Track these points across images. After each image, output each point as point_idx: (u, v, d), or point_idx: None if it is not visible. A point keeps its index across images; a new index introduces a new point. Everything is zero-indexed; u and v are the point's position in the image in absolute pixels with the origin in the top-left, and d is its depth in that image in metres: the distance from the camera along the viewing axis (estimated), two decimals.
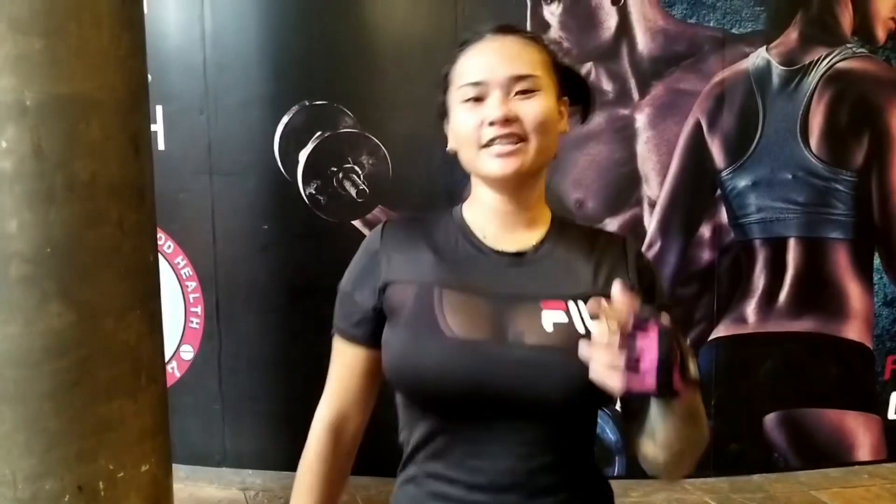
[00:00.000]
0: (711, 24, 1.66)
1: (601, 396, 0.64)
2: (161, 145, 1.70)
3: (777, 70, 1.74)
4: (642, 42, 1.64)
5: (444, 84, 0.77)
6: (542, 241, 0.75)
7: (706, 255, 1.74)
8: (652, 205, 1.70)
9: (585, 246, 0.76)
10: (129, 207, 1.09)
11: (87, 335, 1.05)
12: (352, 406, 0.79)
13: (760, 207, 1.78)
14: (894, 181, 1.85)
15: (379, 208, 1.70)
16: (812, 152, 1.80)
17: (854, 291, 1.84)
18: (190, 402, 1.80)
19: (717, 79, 1.67)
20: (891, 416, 1.83)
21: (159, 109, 1.70)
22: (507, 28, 0.76)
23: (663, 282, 0.82)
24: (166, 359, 1.55)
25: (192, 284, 1.78)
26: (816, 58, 1.77)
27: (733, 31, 1.68)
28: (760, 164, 1.76)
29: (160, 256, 1.50)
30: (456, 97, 0.74)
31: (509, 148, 0.71)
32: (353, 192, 1.69)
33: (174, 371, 1.82)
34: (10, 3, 0.95)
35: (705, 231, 1.74)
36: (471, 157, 0.73)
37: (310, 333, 1.74)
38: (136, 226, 1.11)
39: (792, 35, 1.74)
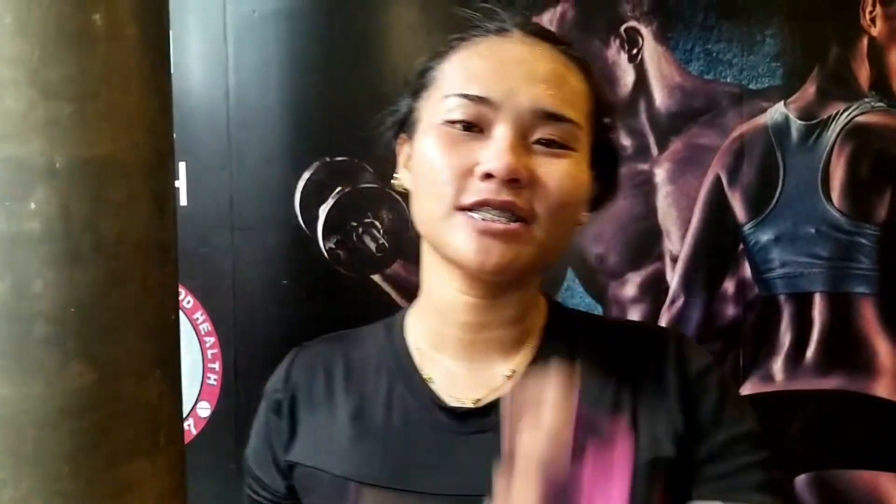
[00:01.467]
0: (729, 80, 1.68)
1: None
2: (184, 201, 1.73)
3: (796, 124, 1.75)
4: (660, 98, 1.66)
5: (416, 84, 0.52)
6: (527, 373, 0.46)
7: (730, 310, 1.71)
8: (674, 259, 1.69)
9: (599, 368, 0.45)
10: (153, 266, 1.09)
11: (107, 395, 1.04)
12: None
13: (784, 262, 1.76)
14: None
15: (398, 263, 1.70)
16: (834, 206, 1.79)
17: (882, 347, 1.80)
18: (206, 460, 1.77)
19: (735, 133, 1.68)
20: None
21: (182, 166, 1.73)
22: (543, 32, 0.49)
23: (734, 400, 0.50)
24: (184, 416, 1.54)
25: (211, 340, 1.78)
26: (835, 112, 1.78)
27: (751, 86, 1.69)
28: (782, 219, 1.75)
29: (180, 312, 1.50)
30: (436, 111, 0.48)
31: (503, 225, 0.44)
32: (372, 246, 1.70)
33: (191, 428, 1.81)
34: (44, 69, 0.98)
35: (729, 286, 1.72)
36: (435, 217, 0.46)
37: None
38: (159, 284, 1.11)
39: (809, 90, 1.75)
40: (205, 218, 1.73)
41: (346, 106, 1.70)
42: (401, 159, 0.52)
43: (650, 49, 1.65)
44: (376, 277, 1.71)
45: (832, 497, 1.73)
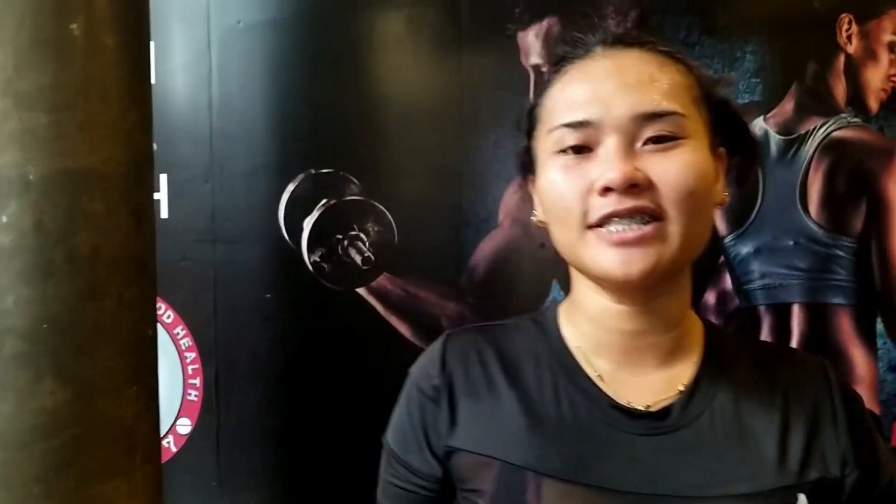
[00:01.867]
0: None
1: None
2: (165, 213, 1.70)
3: (775, 139, 1.77)
4: None
5: (527, 124, 0.53)
6: (695, 386, 0.47)
7: (712, 321, 1.72)
8: None
9: (761, 385, 0.47)
10: (130, 280, 1.07)
11: (81, 414, 1.02)
12: None
13: (764, 274, 1.78)
14: (892, 246, 1.86)
15: (384, 276, 1.69)
16: (812, 219, 1.81)
17: (858, 357, 1.82)
18: (186, 478, 1.74)
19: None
20: None
21: (164, 178, 1.71)
22: (629, 37, 0.50)
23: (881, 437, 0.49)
24: (162, 433, 1.51)
25: (192, 355, 1.75)
26: (812, 127, 1.80)
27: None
28: (762, 231, 1.77)
29: (159, 327, 1.47)
30: (547, 145, 0.49)
31: (636, 232, 0.44)
32: (358, 259, 1.69)
33: (170, 446, 1.77)
34: (18, 80, 0.96)
35: (710, 297, 1.74)
36: (570, 242, 0.48)
37: (312, 406, 1.71)
38: (136, 299, 1.09)
39: (788, 105, 1.78)
40: (187, 231, 1.71)
41: (331, 117, 1.69)
42: (536, 198, 0.52)
43: None
44: (362, 291, 1.69)
45: None
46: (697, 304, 1.76)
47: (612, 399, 0.47)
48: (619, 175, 0.43)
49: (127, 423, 1.07)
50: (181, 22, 1.69)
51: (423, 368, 0.54)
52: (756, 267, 1.80)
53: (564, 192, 0.46)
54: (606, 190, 0.44)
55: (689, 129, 0.45)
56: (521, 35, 1.65)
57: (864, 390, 1.90)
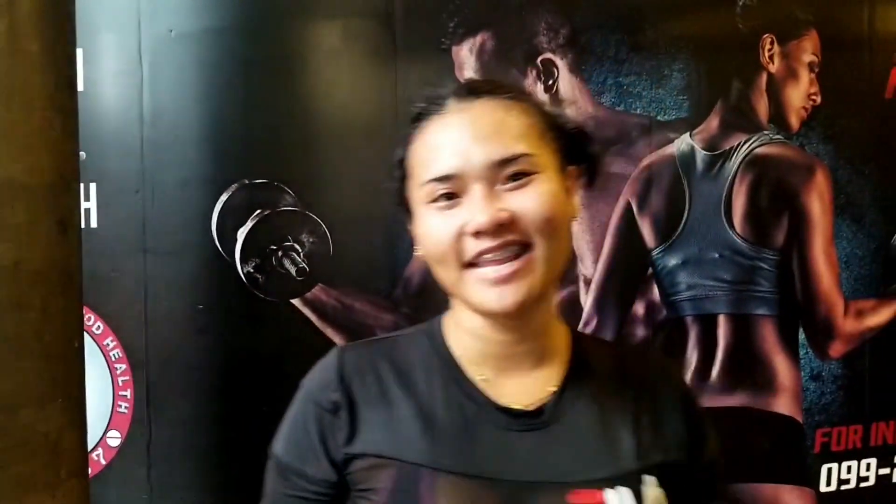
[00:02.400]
0: (638, 112, 1.75)
1: None
2: (94, 223, 1.66)
3: (701, 154, 1.83)
4: None
5: (399, 172, 0.58)
6: (564, 386, 0.54)
7: (641, 331, 1.78)
8: (588, 282, 1.74)
9: (618, 383, 0.55)
10: (54, 292, 1.05)
11: (4, 427, 0.99)
12: None
13: (690, 285, 1.84)
14: (813, 259, 1.95)
15: (318, 287, 1.69)
16: (736, 232, 1.88)
17: (782, 366, 1.90)
18: (116, 492, 1.70)
19: (644, 163, 1.76)
20: (823, 488, 1.87)
21: (93, 187, 1.67)
22: (476, 87, 0.56)
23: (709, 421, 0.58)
24: (91, 446, 1.47)
25: (122, 367, 1.71)
26: (737, 143, 1.88)
27: (659, 118, 1.77)
28: (689, 244, 1.83)
29: (88, 338, 1.44)
30: (420, 196, 0.54)
31: (508, 269, 0.50)
32: (292, 270, 1.68)
33: (100, 459, 1.73)
34: None
35: (639, 308, 1.79)
36: (451, 280, 0.53)
37: (245, 419, 1.68)
38: (61, 310, 1.07)
39: (713, 122, 1.85)
40: (116, 241, 1.67)
41: (265, 127, 1.68)
42: (413, 232, 0.58)
43: (565, 80, 1.71)
44: (296, 302, 1.69)
45: None
46: (627, 314, 1.83)
47: (493, 401, 0.54)
48: (486, 219, 0.50)
49: (52, 436, 1.05)
50: (111, 29, 1.65)
51: (319, 382, 0.58)
52: (683, 278, 1.84)
53: (440, 238, 0.52)
54: (478, 233, 0.51)
55: (539, 164, 0.52)
56: (455, 49, 1.68)
57: (787, 398, 1.98)
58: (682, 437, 0.55)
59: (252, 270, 1.71)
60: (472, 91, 0.56)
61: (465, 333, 0.56)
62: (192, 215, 1.69)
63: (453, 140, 0.53)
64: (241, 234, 1.69)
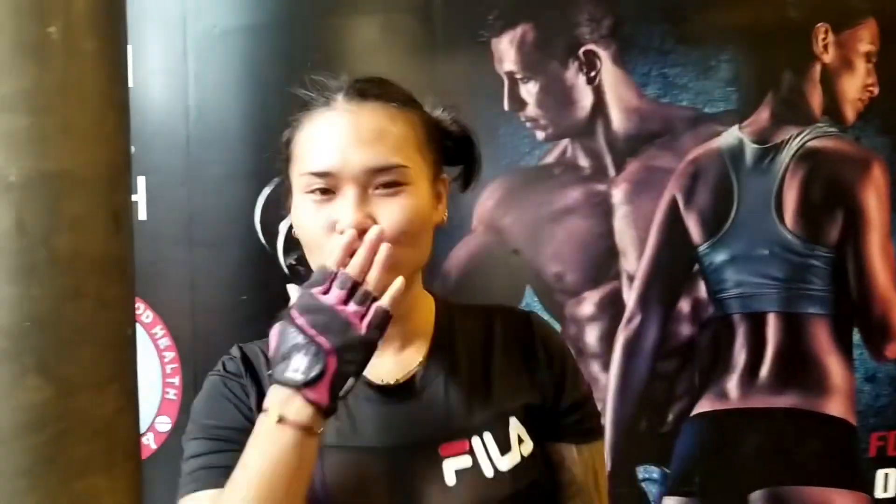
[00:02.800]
0: (684, 104, 1.72)
1: None
2: (143, 215, 1.72)
3: (750, 148, 1.79)
4: (617, 120, 1.70)
5: (285, 153, 0.63)
6: (429, 357, 0.61)
7: (686, 329, 1.75)
8: (630, 278, 1.72)
9: (482, 345, 0.62)
10: (109, 281, 1.09)
11: (64, 410, 1.03)
12: None
13: (738, 282, 1.80)
14: (869, 256, 1.88)
15: None
16: (787, 228, 1.83)
17: (835, 367, 1.84)
18: (166, 475, 1.74)
19: (690, 156, 1.72)
20: (878, 494, 1.81)
21: (142, 181, 1.72)
22: (366, 90, 0.60)
23: (577, 368, 0.65)
24: (142, 431, 1.53)
25: (170, 355, 1.77)
26: (788, 136, 1.82)
27: (706, 110, 1.73)
28: (737, 240, 1.79)
29: (138, 326, 1.49)
30: (299, 184, 0.60)
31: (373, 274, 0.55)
32: None
33: (150, 443, 1.79)
34: None
35: (684, 305, 1.76)
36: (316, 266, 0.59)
37: None
38: (115, 299, 1.11)
39: (763, 114, 1.80)
40: (164, 233, 1.72)
41: None
42: (291, 211, 0.64)
43: (608, 72, 1.69)
44: None
45: None
46: (671, 312, 1.81)
47: (368, 380, 0.60)
48: (353, 222, 0.56)
49: (108, 419, 1.09)
50: (158, 26, 1.70)
51: (222, 363, 0.66)
52: (731, 275, 1.80)
53: (313, 228, 0.59)
54: (342, 232, 0.56)
55: (410, 176, 0.58)
56: (494, 42, 1.67)
57: (840, 400, 1.92)
58: (544, 380, 0.61)
59: (294, 262, 1.73)
60: (361, 93, 0.60)
61: None
62: (236, 208, 1.72)
63: (335, 139, 0.57)
64: (283, 226, 1.71)
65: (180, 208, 1.72)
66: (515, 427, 0.59)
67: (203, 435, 0.63)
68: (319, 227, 0.58)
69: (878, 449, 1.81)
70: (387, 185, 0.57)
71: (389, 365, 0.60)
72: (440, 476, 0.56)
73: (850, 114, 1.84)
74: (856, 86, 1.85)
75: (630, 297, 1.72)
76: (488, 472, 0.56)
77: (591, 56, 1.69)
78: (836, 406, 1.82)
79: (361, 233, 0.55)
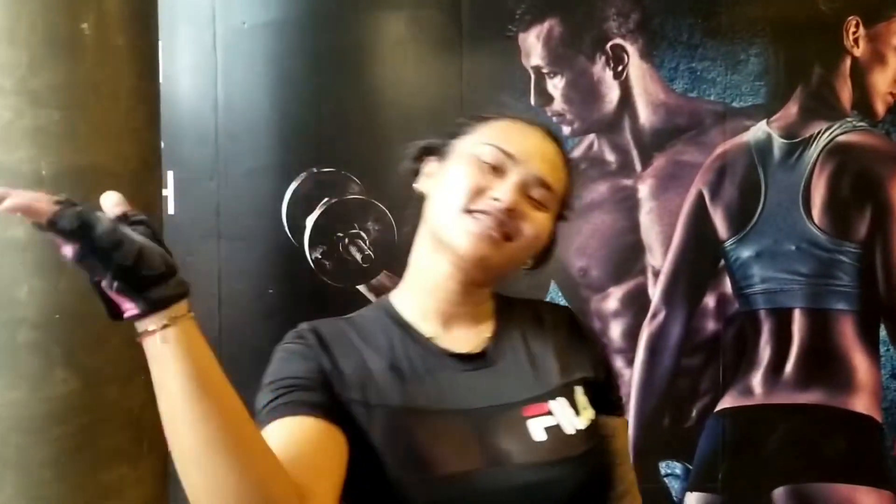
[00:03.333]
0: (712, 98, 1.70)
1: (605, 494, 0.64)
2: (171, 209, 1.74)
3: (778, 143, 1.76)
4: (644, 115, 1.68)
5: (457, 131, 0.68)
6: (496, 334, 0.66)
7: (711, 325, 1.73)
8: (656, 274, 1.71)
9: (537, 328, 0.68)
10: None
11: (91, 402, 1.05)
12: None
13: (764, 278, 1.78)
14: None
15: (384, 274, 1.72)
16: (815, 224, 1.80)
17: (861, 363, 1.82)
18: None
19: (718, 151, 1.70)
20: None
21: (170, 175, 1.74)
22: (555, 136, 0.69)
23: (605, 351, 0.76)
24: None
25: None
26: (817, 131, 1.79)
27: (734, 104, 1.71)
28: (763, 235, 1.77)
29: None
30: (471, 148, 0.64)
31: (490, 232, 0.61)
32: (358, 257, 1.71)
33: None
34: (32, 78, 0.99)
35: (710, 301, 1.74)
36: (444, 214, 0.63)
37: None
38: None
39: (792, 109, 1.77)
40: (192, 227, 1.74)
41: (333, 117, 1.71)
42: (424, 170, 0.69)
43: (635, 66, 1.67)
44: (362, 288, 1.72)
45: None
46: (696, 307, 1.79)
47: (446, 350, 0.64)
48: (511, 199, 0.62)
49: (135, 412, 1.11)
50: (187, 23, 1.71)
51: (293, 334, 0.66)
52: (756, 271, 1.78)
53: (467, 181, 0.63)
54: (496, 199, 0.62)
55: (551, 207, 0.66)
56: (521, 36, 1.66)
57: (865, 397, 1.89)
58: (592, 360, 0.69)
59: (320, 257, 1.74)
60: (535, 123, 0.69)
61: (418, 291, 0.66)
62: (262, 202, 1.74)
63: (528, 141, 0.66)
64: (310, 221, 1.73)
65: (208, 202, 1.74)
66: (581, 395, 0.65)
67: (273, 388, 0.63)
68: (474, 183, 0.63)
69: None
70: (538, 201, 0.65)
71: (464, 338, 0.65)
72: (526, 433, 0.61)
73: (880, 108, 1.81)
74: (887, 80, 1.81)
75: (655, 292, 1.71)
76: (569, 430, 0.62)
77: (618, 50, 1.67)
78: (861, 403, 1.79)
79: (507, 211, 0.61)
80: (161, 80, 1.21)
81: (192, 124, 1.74)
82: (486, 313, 0.68)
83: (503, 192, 0.62)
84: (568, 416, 0.63)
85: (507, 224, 0.62)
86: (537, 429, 0.61)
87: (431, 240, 0.66)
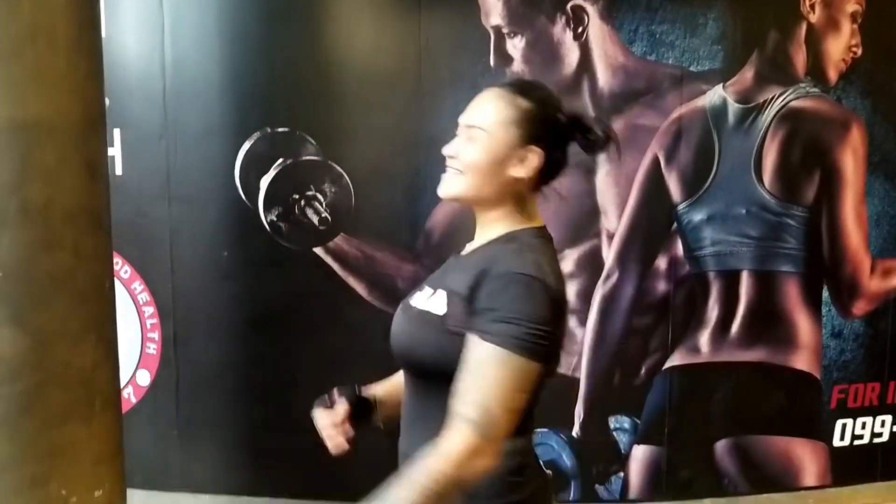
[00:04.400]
0: (670, 62, 1.71)
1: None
2: (119, 170, 1.68)
3: (733, 107, 1.78)
4: (603, 78, 1.68)
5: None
6: (476, 249, 0.86)
7: (662, 286, 1.77)
8: (610, 237, 1.73)
9: (483, 259, 0.83)
10: (85, 233, 1.08)
11: (40, 361, 1.03)
12: None
13: (715, 241, 1.82)
14: (842, 217, 1.91)
15: (341, 236, 1.70)
16: (765, 188, 1.84)
17: (803, 323, 1.89)
18: (147, 427, 1.77)
19: (674, 115, 1.72)
20: (836, 443, 1.88)
21: (117, 133, 1.68)
22: (510, 83, 0.85)
23: (500, 293, 0.79)
24: (122, 384, 1.53)
25: (150, 310, 1.76)
26: (771, 96, 1.82)
27: (691, 68, 1.72)
28: (715, 199, 1.80)
29: (117, 282, 1.48)
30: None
31: (447, 176, 0.84)
32: (315, 219, 1.70)
33: (130, 397, 1.79)
34: None
35: (661, 263, 1.78)
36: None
37: (268, 360, 1.73)
38: (91, 251, 1.09)
39: (748, 74, 1.79)
40: (141, 188, 1.69)
41: (287, 76, 1.67)
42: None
43: (595, 28, 1.67)
44: (319, 250, 1.71)
45: (749, 460, 1.81)
46: (649, 269, 1.80)
47: (461, 249, 0.90)
48: (450, 149, 0.83)
49: (86, 371, 1.09)
50: None
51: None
52: (708, 234, 1.81)
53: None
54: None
55: (482, 136, 0.82)
56: None
57: (807, 355, 1.92)
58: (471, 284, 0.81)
59: (275, 219, 1.71)
60: (506, 84, 0.84)
61: None
62: (215, 163, 1.69)
63: (472, 103, 0.85)
64: (264, 182, 1.69)
65: (158, 163, 1.69)
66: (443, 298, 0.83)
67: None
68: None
69: (839, 401, 1.87)
70: (468, 139, 0.82)
71: (471, 245, 0.86)
72: (431, 297, 0.83)
73: (832, 74, 1.84)
74: (840, 46, 1.84)
75: (609, 254, 1.73)
76: (438, 312, 0.81)
77: (578, 11, 1.66)
78: (802, 361, 1.87)
79: (450, 158, 0.83)
80: (104, 35, 1.16)
81: (139, 83, 1.68)
82: (493, 234, 0.85)
83: (447, 149, 0.84)
84: (439, 306, 0.82)
85: (452, 164, 0.83)
86: (435, 299, 0.82)
87: None
